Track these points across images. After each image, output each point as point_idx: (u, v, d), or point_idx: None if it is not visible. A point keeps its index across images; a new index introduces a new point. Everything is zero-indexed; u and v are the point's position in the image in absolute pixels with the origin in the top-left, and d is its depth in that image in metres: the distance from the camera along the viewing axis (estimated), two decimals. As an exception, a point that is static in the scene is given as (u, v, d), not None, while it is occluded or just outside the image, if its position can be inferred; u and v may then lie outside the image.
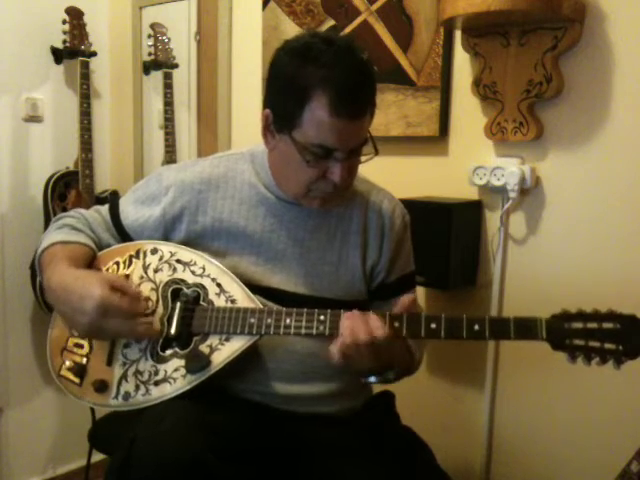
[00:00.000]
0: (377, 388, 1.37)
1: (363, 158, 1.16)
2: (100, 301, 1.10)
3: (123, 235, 1.30)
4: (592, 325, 0.99)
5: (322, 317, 1.11)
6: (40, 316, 2.31)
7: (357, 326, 1.06)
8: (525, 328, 1.03)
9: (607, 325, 0.99)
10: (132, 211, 1.29)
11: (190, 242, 1.25)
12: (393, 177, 1.51)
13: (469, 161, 1.65)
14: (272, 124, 1.15)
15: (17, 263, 2.27)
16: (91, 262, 1.26)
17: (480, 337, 1.05)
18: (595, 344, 0.99)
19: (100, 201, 2.30)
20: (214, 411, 1.11)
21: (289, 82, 1.09)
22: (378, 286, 1.30)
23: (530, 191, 1.59)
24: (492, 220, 1.66)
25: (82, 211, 1.35)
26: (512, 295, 1.64)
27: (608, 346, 0.98)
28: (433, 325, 1.06)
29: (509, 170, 1.57)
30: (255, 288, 1.19)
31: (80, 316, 1.12)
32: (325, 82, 1.05)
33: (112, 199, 1.35)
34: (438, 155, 1.74)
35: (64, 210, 2.24)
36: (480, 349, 1.69)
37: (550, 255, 1.58)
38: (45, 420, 2.43)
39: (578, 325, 1.00)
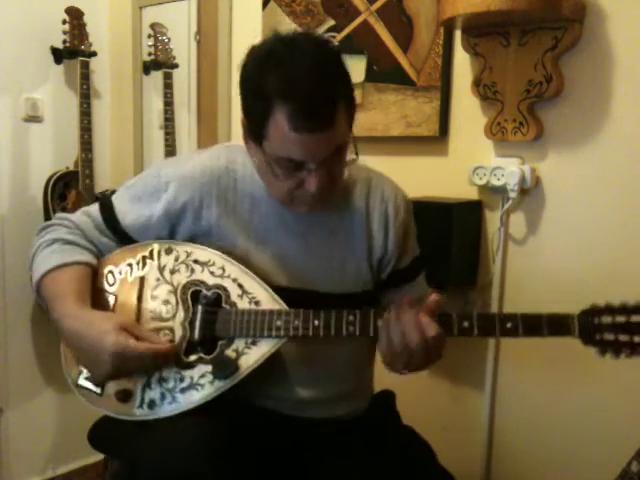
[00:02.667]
0: (377, 387, 1.37)
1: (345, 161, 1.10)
2: (115, 351, 1.06)
3: (121, 237, 1.22)
4: (621, 319, 0.98)
5: (351, 317, 1.08)
6: (40, 316, 2.31)
7: (409, 330, 1.01)
8: (558, 325, 1.01)
9: (636, 318, 0.98)
10: (130, 210, 1.21)
11: (197, 239, 1.19)
12: (393, 177, 1.51)
13: (469, 161, 1.65)
14: (247, 132, 1.11)
15: (17, 263, 2.26)
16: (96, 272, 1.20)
17: (513, 334, 1.02)
18: (625, 338, 0.98)
19: (100, 201, 2.29)
20: (220, 426, 1.08)
21: (254, 92, 1.05)
22: (391, 273, 1.25)
23: (530, 191, 1.59)
24: (492, 220, 1.66)
25: (71, 217, 1.26)
26: (512, 295, 1.64)
27: (637, 339, 0.97)
28: (465, 324, 1.03)
29: (509, 170, 1.57)
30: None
31: (99, 368, 1.10)
32: (284, 94, 1.00)
33: (102, 199, 1.27)
34: (438, 155, 1.74)
35: (64, 210, 2.24)
36: (480, 349, 1.69)
37: (550, 255, 1.58)
38: (45, 420, 2.43)
39: (607, 319, 0.99)
